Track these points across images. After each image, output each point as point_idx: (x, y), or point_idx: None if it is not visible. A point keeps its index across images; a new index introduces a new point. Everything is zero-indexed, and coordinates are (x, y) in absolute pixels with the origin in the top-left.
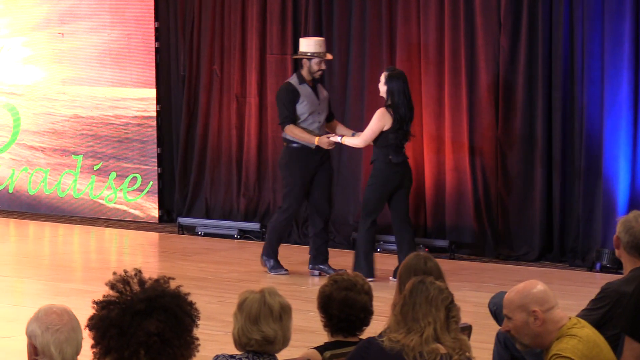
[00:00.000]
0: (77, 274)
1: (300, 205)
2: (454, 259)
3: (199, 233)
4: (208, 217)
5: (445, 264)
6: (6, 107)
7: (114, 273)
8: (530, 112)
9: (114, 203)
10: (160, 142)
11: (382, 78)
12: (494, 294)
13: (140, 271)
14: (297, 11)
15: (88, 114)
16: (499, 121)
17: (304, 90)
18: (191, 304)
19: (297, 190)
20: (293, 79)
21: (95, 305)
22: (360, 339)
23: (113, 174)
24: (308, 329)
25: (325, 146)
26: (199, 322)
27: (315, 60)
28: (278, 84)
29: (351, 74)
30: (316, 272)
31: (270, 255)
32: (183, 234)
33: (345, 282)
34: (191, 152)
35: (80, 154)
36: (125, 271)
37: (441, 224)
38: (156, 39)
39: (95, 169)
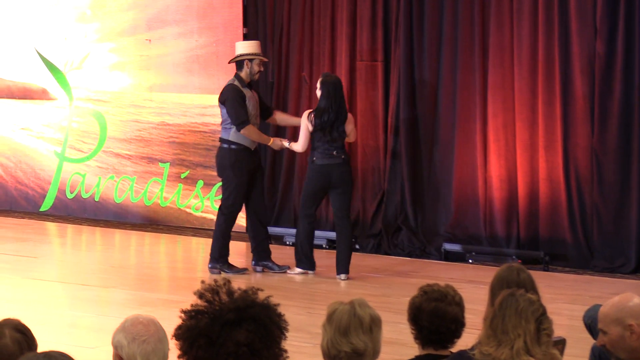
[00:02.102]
0: (163, 283)
1: (242, 205)
2: (547, 270)
3: (287, 243)
4: (296, 226)
5: (538, 276)
6: (93, 114)
7: (202, 282)
8: (627, 120)
9: (201, 212)
10: None
11: (318, 84)
12: (589, 307)
13: (229, 281)
14: (388, 16)
15: (175, 121)
16: (595, 129)
17: (247, 92)
18: (280, 315)
19: (241, 191)
20: (235, 82)
21: (183, 315)
22: (452, 352)
23: (200, 182)
24: (398, 341)
25: (276, 148)
26: (287, 334)
27: (256, 62)
28: (368, 91)
29: (442, 80)
30: (259, 268)
31: (218, 260)
32: (271, 243)
33: (435, 293)
34: (279, 160)
35: (167, 162)
36: (215, 280)
37: (535, 235)
38: None
39: (182, 177)
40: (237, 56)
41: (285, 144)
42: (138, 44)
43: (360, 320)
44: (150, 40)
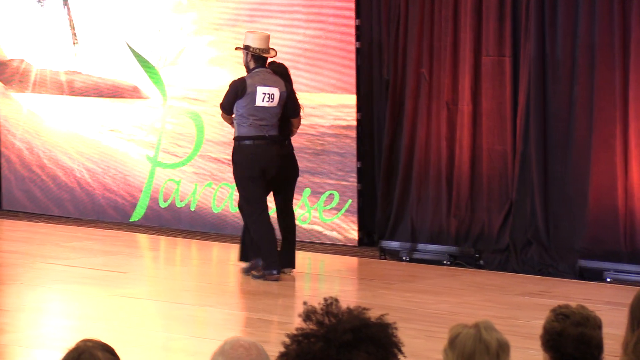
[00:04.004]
0: (266, 302)
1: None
2: None
3: (404, 258)
4: (414, 241)
5: None
6: (189, 115)
7: (304, 303)
8: None
9: (308, 223)
10: (360, 154)
11: None
12: None
13: (336, 299)
14: (517, 7)
15: None
16: None
17: (252, 86)
18: (396, 335)
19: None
20: (246, 74)
21: (290, 339)
22: None
23: (307, 191)
24: None
25: None
26: (404, 358)
27: (249, 55)
28: (494, 88)
29: (577, 78)
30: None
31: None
32: (385, 259)
33: (577, 316)
34: (395, 167)
35: None
36: (327, 299)
37: None
38: (357, 38)
39: None
40: (244, 46)
41: None
42: (239, 36)
43: (487, 345)
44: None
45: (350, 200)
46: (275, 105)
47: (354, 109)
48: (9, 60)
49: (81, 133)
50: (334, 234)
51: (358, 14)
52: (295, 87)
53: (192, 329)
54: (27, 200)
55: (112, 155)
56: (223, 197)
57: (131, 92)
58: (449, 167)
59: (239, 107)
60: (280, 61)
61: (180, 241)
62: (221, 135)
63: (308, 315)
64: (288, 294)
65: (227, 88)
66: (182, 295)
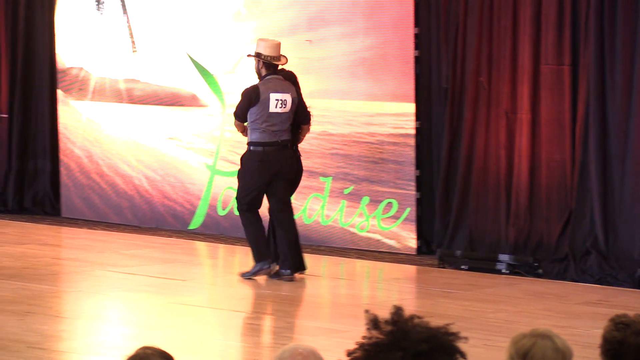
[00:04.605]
0: (324, 310)
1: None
2: None
3: (462, 267)
4: (472, 249)
5: None
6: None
7: (366, 311)
8: None
9: (367, 231)
10: (419, 163)
11: None
12: None
13: (401, 308)
14: (576, 16)
15: (338, 130)
16: None
17: (266, 93)
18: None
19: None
20: (259, 81)
21: (360, 348)
22: None
23: (366, 199)
24: None
25: None
26: None
27: (261, 62)
28: (553, 97)
29: (636, 87)
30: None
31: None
32: (444, 267)
33: (637, 325)
34: (454, 175)
35: (329, 176)
36: (395, 308)
37: None
38: (416, 47)
39: (345, 192)
40: (255, 54)
41: None
42: (297, 45)
43: (563, 355)
44: (311, 41)
45: (408, 209)
46: (287, 111)
47: (413, 117)
48: (68, 68)
49: (140, 141)
50: (392, 242)
51: (417, 22)
52: (353, 95)
53: (249, 336)
54: (87, 207)
55: (171, 163)
56: None
57: (190, 100)
58: (508, 176)
59: (252, 113)
60: (290, 69)
61: (239, 249)
62: None
63: (375, 324)
64: (346, 302)
65: (240, 97)
66: (240, 303)
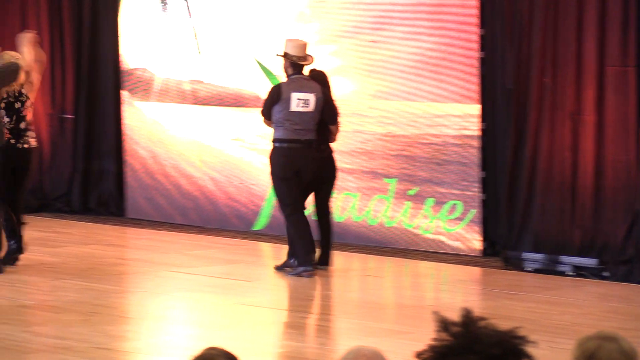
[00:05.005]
0: (388, 312)
1: None
2: None
3: (527, 268)
4: (537, 251)
5: None
6: None
7: (435, 312)
8: None
9: (431, 233)
10: (484, 164)
11: None
12: None
13: (471, 311)
14: None
15: (402, 132)
16: None
17: (289, 92)
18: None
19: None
20: (284, 80)
21: (431, 350)
22: None
23: (430, 201)
24: None
25: None
26: None
27: (287, 62)
28: (618, 99)
29: None
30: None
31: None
32: (509, 269)
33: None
34: (519, 177)
35: (394, 178)
36: (464, 310)
37: None
38: (481, 48)
39: (409, 194)
40: (283, 54)
41: None
42: (361, 46)
43: (629, 358)
44: (375, 42)
45: (473, 210)
46: (311, 110)
47: (477, 119)
48: (133, 69)
49: (204, 142)
50: (457, 244)
51: (482, 23)
52: (417, 96)
53: (314, 337)
54: (151, 208)
55: (235, 164)
56: (346, 207)
57: (253, 101)
58: (573, 177)
59: (275, 112)
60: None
61: None
62: (344, 144)
63: (445, 326)
64: (410, 304)
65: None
66: (305, 305)
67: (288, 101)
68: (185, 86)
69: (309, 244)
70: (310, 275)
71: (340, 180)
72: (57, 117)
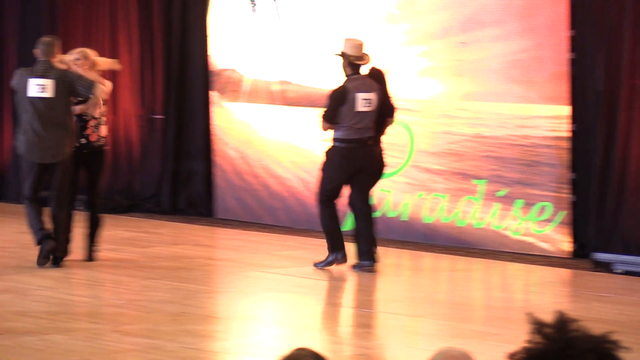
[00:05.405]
0: (477, 313)
1: None
2: None
3: (617, 270)
4: (628, 253)
5: None
6: (400, 125)
7: (528, 314)
8: None
9: (520, 235)
10: (574, 166)
11: None
12: None
13: (565, 314)
14: None
15: (492, 133)
16: None
17: (353, 93)
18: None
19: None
20: (344, 82)
21: (520, 352)
22: None
23: (519, 202)
24: None
25: None
26: None
27: (345, 62)
28: None
29: None
30: None
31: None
32: (598, 271)
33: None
34: (609, 178)
35: (483, 179)
36: (561, 312)
37: None
38: (572, 49)
39: (499, 195)
40: (341, 53)
41: None
42: (451, 47)
43: None
44: (465, 43)
45: (563, 212)
46: (373, 109)
47: (567, 120)
48: (222, 70)
49: (293, 142)
50: (546, 246)
51: (573, 24)
52: (507, 98)
53: (403, 339)
54: (240, 209)
55: None
56: (435, 208)
57: None
58: None
59: (339, 112)
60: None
61: (392, 251)
62: (433, 145)
63: (539, 328)
64: (499, 305)
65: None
66: (393, 306)
67: (353, 101)
68: (274, 87)
69: (338, 234)
70: (341, 262)
71: (430, 181)
72: (146, 117)
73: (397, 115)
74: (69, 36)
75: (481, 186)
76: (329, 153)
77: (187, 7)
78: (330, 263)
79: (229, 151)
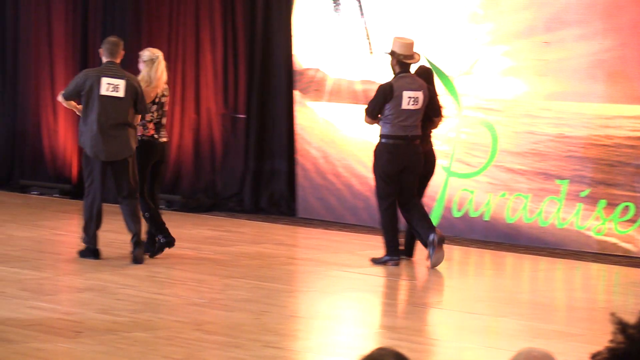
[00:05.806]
0: (559, 314)
1: None
2: None
3: None
4: None
5: None
6: (483, 125)
7: (612, 314)
8: None
9: (603, 235)
10: None
11: None
12: None
13: None
14: None
15: (575, 133)
16: None
17: (401, 91)
18: None
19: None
20: (392, 79)
21: (604, 352)
22: None
23: (602, 202)
24: None
25: None
26: None
27: (393, 60)
28: None
29: None
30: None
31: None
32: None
33: None
34: None
35: (566, 179)
36: None
37: None
38: None
39: (582, 195)
40: (391, 52)
41: None
42: (534, 47)
43: None
44: (548, 42)
45: None
46: (419, 108)
47: None
48: (305, 69)
49: (376, 142)
50: (629, 246)
51: None
52: (590, 98)
53: (485, 339)
54: (322, 208)
55: None
56: (517, 208)
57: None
58: None
59: (385, 109)
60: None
61: (474, 251)
62: (516, 145)
63: (623, 329)
64: (581, 306)
65: (374, 93)
66: (475, 306)
67: (399, 99)
68: (357, 86)
69: (396, 236)
70: (396, 265)
71: (513, 181)
72: (229, 116)
73: (444, 114)
74: (152, 35)
75: (564, 186)
76: (376, 151)
77: (270, 7)
78: (384, 262)
79: (312, 150)
